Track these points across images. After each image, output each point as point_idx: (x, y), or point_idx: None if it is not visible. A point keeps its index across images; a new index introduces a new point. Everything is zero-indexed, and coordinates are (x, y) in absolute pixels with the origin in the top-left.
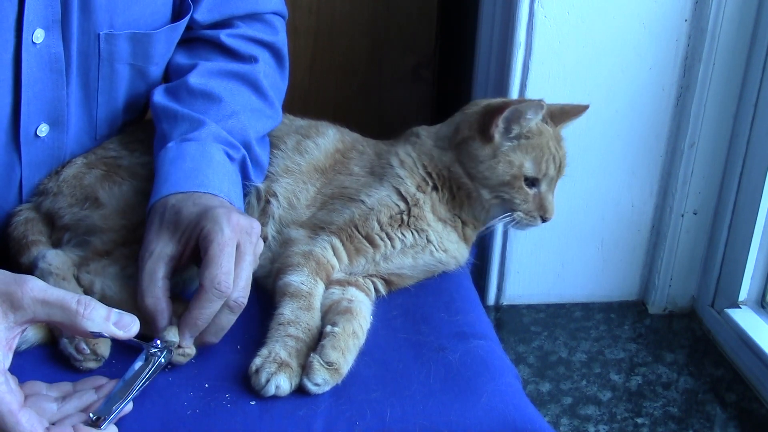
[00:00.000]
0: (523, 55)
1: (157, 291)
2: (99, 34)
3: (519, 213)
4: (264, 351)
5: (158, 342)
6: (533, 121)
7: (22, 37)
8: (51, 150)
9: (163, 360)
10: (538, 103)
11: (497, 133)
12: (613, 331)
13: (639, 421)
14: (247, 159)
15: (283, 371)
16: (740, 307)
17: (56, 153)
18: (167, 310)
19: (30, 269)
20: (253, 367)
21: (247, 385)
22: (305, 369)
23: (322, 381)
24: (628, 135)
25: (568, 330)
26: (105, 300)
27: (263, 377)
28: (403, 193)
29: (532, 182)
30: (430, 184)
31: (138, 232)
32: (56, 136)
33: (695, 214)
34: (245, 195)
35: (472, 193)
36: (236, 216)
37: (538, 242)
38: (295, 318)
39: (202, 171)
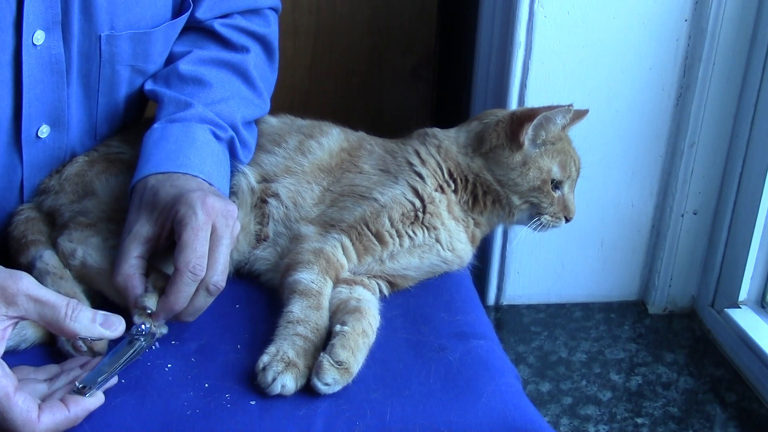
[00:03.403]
0: (523, 55)
1: (128, 269)
2: (100, 36)
3: (546, 216)
4: (272, 349)
5: (142, 327)
6: (559, 126)
7: (22, 39)
8: (52, 151)
9: (145, 343)
10: (567, 109)
11: (527, 140)
12: (613, 331)
13: (639, 421)
14: (236, 139)
15: (290, 371)
16: (740, 307)
17: (57, 153)
18: (138, 287)
19: (28, 269)
20: (261, 364)
21: (247, 384)
22: (315, 369)
23: (332, 381)
24: (628, 135)
25: (568, 330)
26: (85, 269)
27: (270, 376)
28: (420, 191)
29: (556, 185)
30: (452, 186)
31: (125, 215)
32: (57, 136)
33: (695, 214)
34: (231, 175)
35: (501, 199)
36: (212, 199)
37: (538, 242)
38: (305, 317)
39: (183, 152)
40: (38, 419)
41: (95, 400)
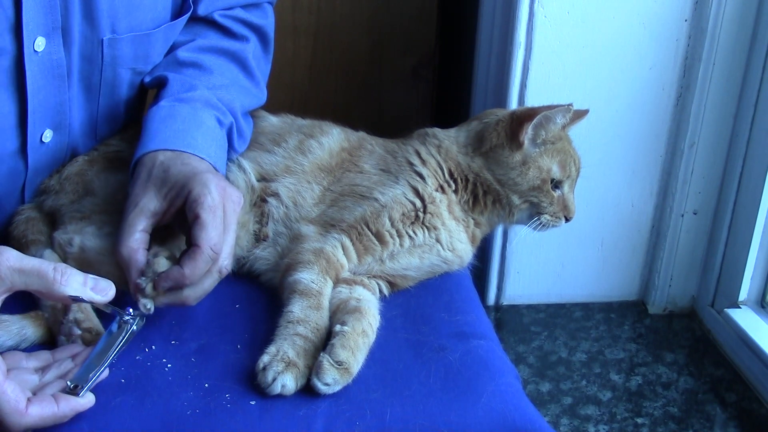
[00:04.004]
0: (523, 55)
1: (133, 242)
2: (102, 40)
3: (546, 216)
4: (272, 349)
5: (131, 310)
6: (559, 125)
7: (23, 46)
8: (54, 153)
9: (135, 327)
10: (567, 108)
11: (527, 140)
12: (613, 331)
13: (639, 421)
14: (234, 127)
15: (290, 371)
16: (740, 307)
17: (59, 155)
18: (141, 262)
19: None
20: (261, 364)
21: (247, 384)
22: (315, 369)
23: (332, 380)
24: (628, 135)
25: (568, 330)
26: (84, 251)
27: (270, 375)
28: (420, 191)
29: (556, 185)
30: (452, 186)
31: (120, 208)
32: (59, 139)
33: (695, 214)
34: (230, 169)
35: (501, 198)
36: (223, 182)
37: (538, 242)
38: (305, 317)
39: (191, 133)
40: (26, 410)
41: (85, 401)
